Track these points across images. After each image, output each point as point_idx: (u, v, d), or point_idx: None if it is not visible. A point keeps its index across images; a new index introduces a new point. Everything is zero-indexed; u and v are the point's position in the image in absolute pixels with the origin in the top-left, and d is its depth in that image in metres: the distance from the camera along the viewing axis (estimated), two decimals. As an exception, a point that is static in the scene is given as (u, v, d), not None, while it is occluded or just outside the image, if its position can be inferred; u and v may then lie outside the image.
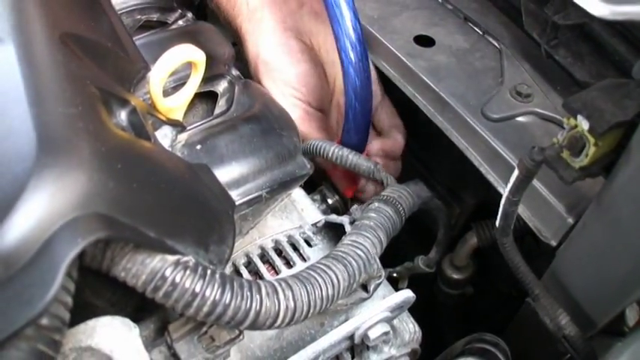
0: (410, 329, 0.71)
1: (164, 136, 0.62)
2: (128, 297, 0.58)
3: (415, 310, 0.81)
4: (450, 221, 0.83)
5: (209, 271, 0.50)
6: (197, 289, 0.48)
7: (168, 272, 0.47)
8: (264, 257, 0.73)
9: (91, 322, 0.50)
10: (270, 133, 0.68)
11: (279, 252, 0.73)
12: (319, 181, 0.87)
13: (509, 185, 0.62)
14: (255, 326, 0.51)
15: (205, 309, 0.48)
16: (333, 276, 0.57)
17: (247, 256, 0.72)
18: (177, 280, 0.48)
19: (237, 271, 0.71)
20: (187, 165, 0.57)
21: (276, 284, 0.53)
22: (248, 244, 0.74)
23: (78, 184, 0.44)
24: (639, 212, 0.56)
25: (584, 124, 0.55)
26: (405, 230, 0.72)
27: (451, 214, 0.93)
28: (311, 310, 0.55)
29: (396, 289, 0.86)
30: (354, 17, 0.71)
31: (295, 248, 0.73)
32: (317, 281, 0.56)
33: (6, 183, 0.42)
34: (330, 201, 0.84)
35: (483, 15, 0.87)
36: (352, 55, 0.71)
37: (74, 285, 0.44)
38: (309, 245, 0.74)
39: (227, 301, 0.49)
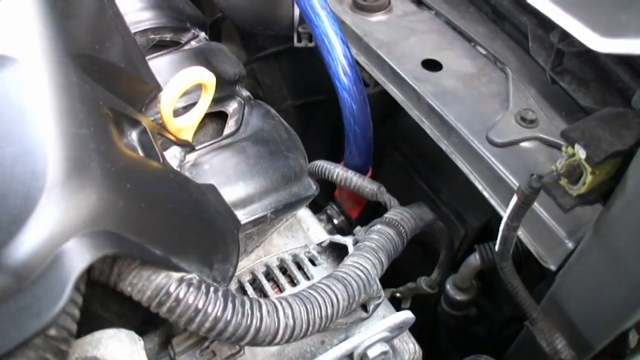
0: (410, 349, 0.73)
1: (173, 156, 0.65)
2: (135, 310, 0.61)
3: (417, 330, 0.83)
4: (453, 244, 0.85)
5: (212, 289, 0.52)
6: (200, 306, 0.51)
7: (172, 288, 0.50)
8: (269, 275, 0.75)
9: (98, 334, 0.53)
10: (276, 155, 0.72)
11: (283, 270, 0.76)
12: (326, 201, 0.90)
13: (508, 211, 0.64)
14: (255, 342, 0.54)
15: (207, 325, 0.51)
16: (333, 296, 0.60)
17: (252, 273, 0.75)
18: (181, 296, 0.51)
19: (242, 288, 0.74)
20: (195, 185, 0.60)
21: (276, 302, 0.56)
22: (254, 261, 0.77)
23: (88, 202, 0.47)
24: (635, 240, 0.58)
25: (581, 153, 0.57)
26: (413, 250, 0.75)
27: (455, 236, 0.95)
28: (310, 329, 0.57)
29: (399, 309, 0.89)
30: (343, 44, 0.75)
31: (300, 267, 0.76)
32: (317, 300, 0.58)
33: (20, 200, 0.46)
34: (335, 221, 0.87)
35: (491, 39, 0.89)
36: (345, 80, 0.74)
37: (82, 298, 0.47)
38: (314, 264, 0.76)
39: (228, 318, 0.52)
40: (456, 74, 0.86)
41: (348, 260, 0.66)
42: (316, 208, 0.89)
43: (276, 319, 0.54)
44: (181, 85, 0.64)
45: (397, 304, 0.92)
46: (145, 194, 0.52)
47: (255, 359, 0.70)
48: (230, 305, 0.52)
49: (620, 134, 0.58)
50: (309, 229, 0.82)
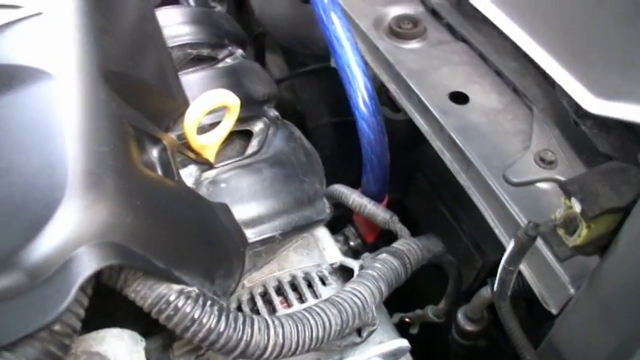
0: (408, 377, 0.77)
1: (189, 174, 0.72)
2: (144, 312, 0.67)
3: (427, 356, 0.87)
4: (461, 276, 0.89)
5: (209, 302, 0.58)
6: (195, 316, 0.57)
7: (171, 298, 0.57)
8: (279, 290, 0.81)
9: (103, 332, 0.60)
10: (291, 179, 0.77)
11: (294, 286, 0.81)
12: (346, 223, 0.95)
13: (506, 255, 0.67)
14: (244, 356, 0.60)
15: (201, 335, 0.57)
16: (326, 319, 0.65)
17: (264, 286, 0.81)
18: (179, 305, 0.57)
19: (252, 300, 0.80)
20: (206, 203, 0.67)
21: (268, 320, 0.61)
22: (267, 275, 0.83)
23: (100, 216, 0.54)
24: (625, 297, 0.60)
25: (577, 207, 0.60)
26: (433, 274, 0.78)
27: (472, 267, 0.98)
28: (299, 348, 0.62)
29: (408, 333, 0.93)
30: (365, 76, 0.79)
31: (310, 285, 0.81)
32: (309, 322, 0.63)
33: (40, 208, 0.53)
34: (352, 243, 0.92)
35: (522, 75, 0.92)
36: (364, 110, 0.79)
37: (88, 300, 0.54)
38: (324, 284, 0.81)
39: (221, 330, 0.58)
40: (482, 109, 0.89)
41: (347, 286, 0.70)
42: (337, 227, 0.94)
43: (266, 336, 0.60)
44: (205, 106, 0.70)
45: (407, 329, 0.95)
46: (153, 211, 0.58)
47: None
48: (224, 319, 0.58)
49: (619, 190, 0.60)
50: (325, 249, 0.87)
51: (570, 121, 0.83)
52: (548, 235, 0.64)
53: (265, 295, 0.81)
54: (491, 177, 0.82)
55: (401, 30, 0.98)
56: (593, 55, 0.58)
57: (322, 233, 0.88)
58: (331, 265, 0.82)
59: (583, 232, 0.60)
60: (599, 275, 0.63)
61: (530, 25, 0.71)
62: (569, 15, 0.62)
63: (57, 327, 0.51)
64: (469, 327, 0.95)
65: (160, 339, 0.68)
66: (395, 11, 1.03)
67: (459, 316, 0.96)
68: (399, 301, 0.99)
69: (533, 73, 0.94)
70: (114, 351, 0.59)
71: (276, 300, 0.79)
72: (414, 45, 0.98)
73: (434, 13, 1.04)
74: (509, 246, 0.67)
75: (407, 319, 0.93)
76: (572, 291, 0.73)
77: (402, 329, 0.95)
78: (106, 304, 0.65)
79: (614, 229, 0.62)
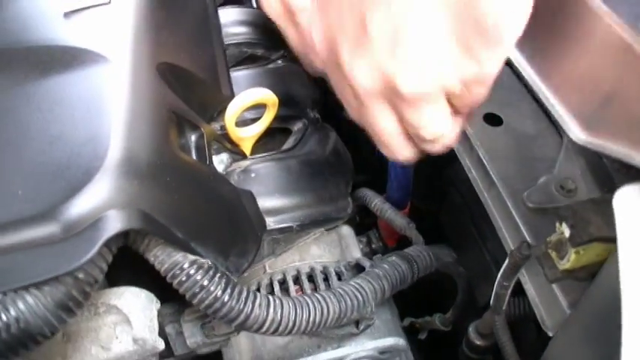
0: (408, 379, 0.83)
1: (220, 161, 0.81)
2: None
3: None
4: (470, 288, 0.94)
5: (218, 274, 0.67)
6: (204, 284, 0.66)
7: (185, 266, 0.66)
8: (297, 279, 0.89)
9: (123, 288, 0.69)
10: (317, 177, 0.85)
11: (311, 278, 0.89)
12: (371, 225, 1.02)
13: (501, 271, 0.73)
14: (244, 327, 0.68)
15: (206, 302, 0.66)
16: (325, 307, 0.72)
17: (284, 274, 0.89)
18: (191, 273, 0.65)
19: (271, 285, 0.88)
20: (232, 188, 0.75)
21: (270, 299, 0.69)
22: (288, 264, 0.91)
23: (131, 186, 0.63)
24: (606, 328, 0.64)
25: (566, 232, 0.65)
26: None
27: (491, 285, 1.02)
28: (295, 329, 0.70)
29: (416, 338, 0.99)
30: None
31: (326, 278, 0.88)
32: (308, 306, 0.71)
33: (81, 173, 0.63)
34: (373, 245, 0.99)
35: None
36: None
37: (111, 256, 0.64)
38: (339, 278, 0.89)
39: (225, 300, 0.66)
40: (514, 133, 0.94)
41: (352, 281, 0.78)
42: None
43: (265, 312, 0.68)
44: (245, 101, 0.79)
45: (415, 334, 1.01)
46: (180, 188, 0.68)
47: (265, 346, 0.84)
48: (229, 290, 0.66)
49: (611, 221, 0.64)
50: (347, 247, 0.95)
51: (596, 154, 0.87)
52: (541, 257, 0.69)
53: (284, 283, 0.89)
54: (510, 198, 0.86)
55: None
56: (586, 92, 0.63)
57: (347, 232, 0.96)
58: (349, 262, 0.89)
59: (572, 257, 0.65)
60: (585, 300, 0.67)
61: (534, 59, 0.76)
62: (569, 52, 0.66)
63: (81, 275, 0.60)
64: (478, 341, 1.00)
65: (176, 305, 0.77)
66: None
67: (470, 329, 1.01)
68: (425, 307, 1.05)
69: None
70: (129, 306, 0.68)
71: (292, 288, 0.87)
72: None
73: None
74: (505, 263, 0.72)
75: (417, 324, 0.98)
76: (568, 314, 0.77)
77: (412, 333, 1.02)
78: (133, 269, 0.75)
79: (607, 258, 0.67)
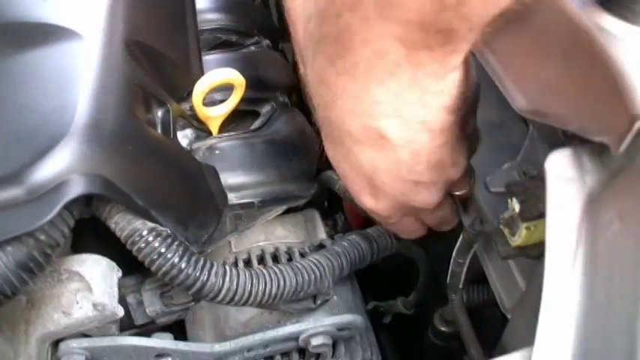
0: (365, 356, 0.87)
1: (184, 136, 0.85)
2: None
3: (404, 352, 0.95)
4: (431, 270, 0.97)
5: (176, 242, 0.70)
6: (162, 251, 0.69)
7: (144, 233, 0.69)
8: (262, 258, 0.92)
9: (85, 256, 0.72)
10: (280, 156, 0.89)
11: (275, 257, 0.92)
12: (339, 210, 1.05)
13: (456, 248, 0.76)
14: (200, 295, 0.71)
15: (164, 269, 0.69)
16: (282, 279, 0.75)
17: (248, 254, 0.92)
18: (149, 240, 0.68)
19: (235, 264, 0.91)
20: (195, 162, 0.79)
21: (227, 268, 0.72)
22: (253, 244, 0.94)
23: (93, 152, 0.67)
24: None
25: (516, 207, 0.68)
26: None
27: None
28: (252, 299, 0.73)
29: (381, 323, 1.02)
30: None
31: (290, 258, 0.91)
32: (264, 278, 0.74)
33: (47, 139, 0.66)
34: (339, 229, 1.02)
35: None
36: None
37: (74, 221, 0.67)
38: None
39: (182, 267, 0.69)
40: (480, 120, 0.97)
41: (311, 256, 0.81)
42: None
43: (221, 281, 0.71)
44: (212, 80, 0.83)
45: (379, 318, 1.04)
46: (142, 158, 0.71)
47: (227, 323, 0.87)
48: (186, 258, 0.69)
49: (562, 199, 0.68)
50: (313, 230, 0.98)
51: (560, 142, 0.90)
52: (494, 233, 0.72)
53: (249, 262, 0.92)
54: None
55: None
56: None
57: (313, 215, 0.99)
58: (313, 244, 0.93)
59: (523, 233, 0.67)
60: (535, 278, 0.70)
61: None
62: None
63: (42, 237, 0.63)
64: (443, 328, 1.03)
65: (140, 276, 0.80)
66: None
67: (435, 316, 1.04)
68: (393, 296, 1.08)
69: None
70: (90, 273, 0.71)
71: (256, 266, 0.90)
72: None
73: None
74: (459, 240, 0.76)
75: (381, 308, 1.02)
76: (525, 294, 0.81)
77: (378, 319, 1.05)
78: (100, 245, 0.78)
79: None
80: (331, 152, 0.69)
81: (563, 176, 0.53)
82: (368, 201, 0.71)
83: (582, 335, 0.45)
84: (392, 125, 0.60)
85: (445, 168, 0.69)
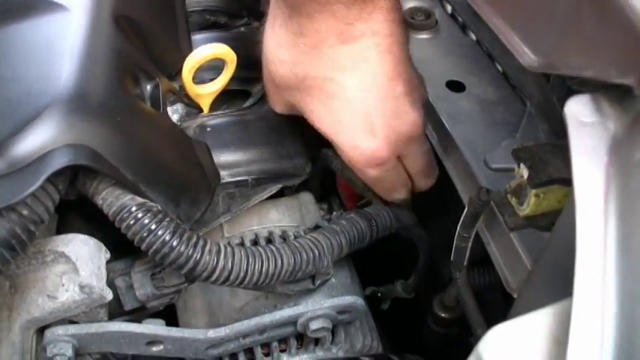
0: (366, 341, 0.84)
1: (175, 111, 0.82)
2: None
3: (403, 340, 0.92)
4: (431, 252, 0.94)
5: (167, 219, 0.67)
6: (152, 228, 0.65)
7: (133, 209, 0.65)
8: (256, 243, 0.88)
9: (71, 235, 0.69)
10: (274, 133, 0.86)
11: (269, 241, 0.89)
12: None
13: (460, 221, 0.73)
14: (193, 274, 0.68)
15: (155, 246, 0.66)
16: (279, 258, 0.72)
17: (242, 238, 0.89)
18: (139, 216, 0.65)
19: None
20: (185, 137, 0.76)
21: (221, 246, 0.69)
22: (246, 228, 0.91)
23: (79, 123, 0.64)
24: (562, 274, 0.65)
25: (524, 173, 0.66)
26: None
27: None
28: (247, 278, 0.70)
29: (379, 309, 0.99)
30: None
31: (285, 242, 0.88)
32: (261, 256, 0.71)
33: (31, 109, 0.63)
34: (334, 212, 0.99)
35: (522, 73, 0.98)
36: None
37: (59, 196, 0.63)
38: (298, 243, 0.88)
39: (174, 245, 0.66)
40: (477, 98, 0.96)
41: (308, 235, 0.78)
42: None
43: (215, 259, 0.68)
44: (202, 55, 0.80)
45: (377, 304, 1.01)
46: (131, 130, 0.68)
47: (221, 309, 0.84)
48: (177, 235, 0.66)
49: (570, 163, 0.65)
50: (307, 214, 0.95)
51: (558, 116, 0.89)
52: (501, 204, 0.69)
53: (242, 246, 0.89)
54: (472, 160, 0.88)
55: (413, 21, 1.05)
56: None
57: (307, 199, 0.96)
58: (308, 227, 0.90)
59: (532, 201, 0.65)
60: (545, 252, 0.67)
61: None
62: None
63: (25, 211, 0.60)
64: (443, 314, 1.01)
65: (127, 262, 0.77)
66: (410, 3, 1.11)
67: (435, 302, 1.01)
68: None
69: (535, 73, 1.00)
70: (77, 253, 0.68)
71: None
72: (423, 36, 1.06)
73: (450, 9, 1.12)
74: (464, 213, 0.73)
75: (379, 293, 0.99)
76: (531, 270, 0.78)
77: (376, 305, 1.02)
78: (88, 227, 0.75)
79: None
80: (321, 111, 0.77)
81: (585, 121, 0.50)
82: (367, 141, 0.78)
83: (622, 277, 0.42)
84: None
85: (417, 86, 0.83)
